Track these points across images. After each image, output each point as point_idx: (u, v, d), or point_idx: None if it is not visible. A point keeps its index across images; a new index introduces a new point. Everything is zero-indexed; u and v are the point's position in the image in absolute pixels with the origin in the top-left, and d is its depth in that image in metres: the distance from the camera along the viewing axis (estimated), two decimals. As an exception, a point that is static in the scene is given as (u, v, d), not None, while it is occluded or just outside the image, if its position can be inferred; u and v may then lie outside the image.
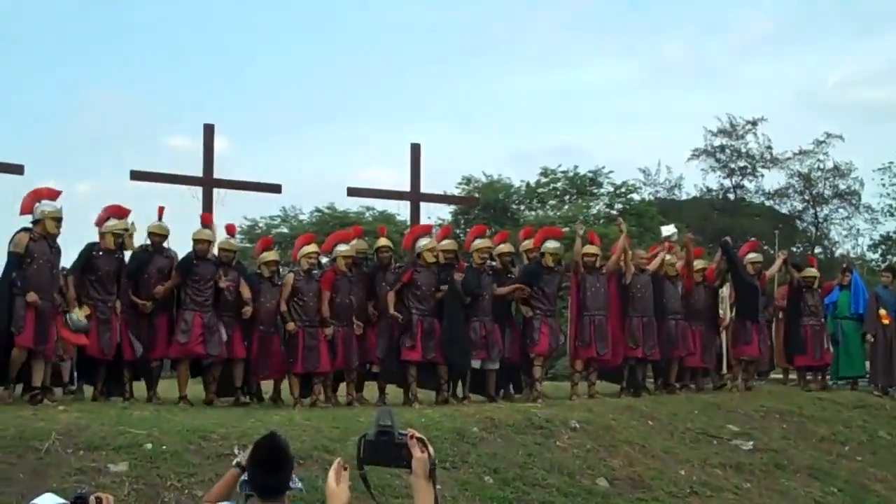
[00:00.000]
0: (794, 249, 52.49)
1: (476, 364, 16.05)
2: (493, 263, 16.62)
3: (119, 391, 14.83)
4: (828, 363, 19.75)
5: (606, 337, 16.66)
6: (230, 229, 15.94)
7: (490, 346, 16.06)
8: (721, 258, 18.78)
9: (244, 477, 6.09)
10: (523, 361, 16.62)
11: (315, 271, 15.57)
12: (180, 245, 15.59)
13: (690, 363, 18.30)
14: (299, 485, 6.37)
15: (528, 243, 17.21)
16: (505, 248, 16.95)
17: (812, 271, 19.65)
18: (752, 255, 19.05)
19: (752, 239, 21.57)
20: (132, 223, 14.89)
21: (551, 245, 16.61)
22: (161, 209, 15.43)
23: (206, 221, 15.84)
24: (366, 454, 3.58)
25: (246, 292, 15.07)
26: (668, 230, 18.39)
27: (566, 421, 14.51)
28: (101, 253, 14.58)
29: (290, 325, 15.10)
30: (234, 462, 6.25)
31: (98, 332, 14.31)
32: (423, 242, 15.95)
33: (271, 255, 15.75)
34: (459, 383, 16.32)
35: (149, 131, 78.73)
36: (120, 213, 14.83)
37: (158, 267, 15.12)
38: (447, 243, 16.40)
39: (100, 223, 14.73)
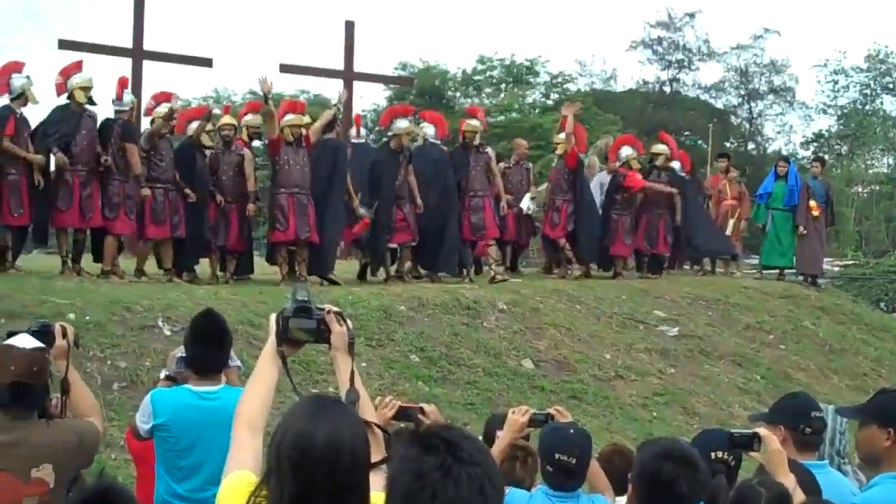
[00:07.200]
0: (728, 144, 52.88)
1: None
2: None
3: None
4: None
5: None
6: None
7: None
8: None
9: (180, 353, 6.02)
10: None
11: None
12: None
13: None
14: (237, 362, 6.30)
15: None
16: None
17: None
18: (627, 151, 17.91)
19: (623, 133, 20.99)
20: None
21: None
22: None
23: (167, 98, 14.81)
24: (284, 331, 3.54)
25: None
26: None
27: (493, 302, 14.53)
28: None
29: (219, 198, 14.70)
30: (161, 375, 6.17)
31: None
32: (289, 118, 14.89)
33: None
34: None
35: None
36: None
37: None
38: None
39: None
